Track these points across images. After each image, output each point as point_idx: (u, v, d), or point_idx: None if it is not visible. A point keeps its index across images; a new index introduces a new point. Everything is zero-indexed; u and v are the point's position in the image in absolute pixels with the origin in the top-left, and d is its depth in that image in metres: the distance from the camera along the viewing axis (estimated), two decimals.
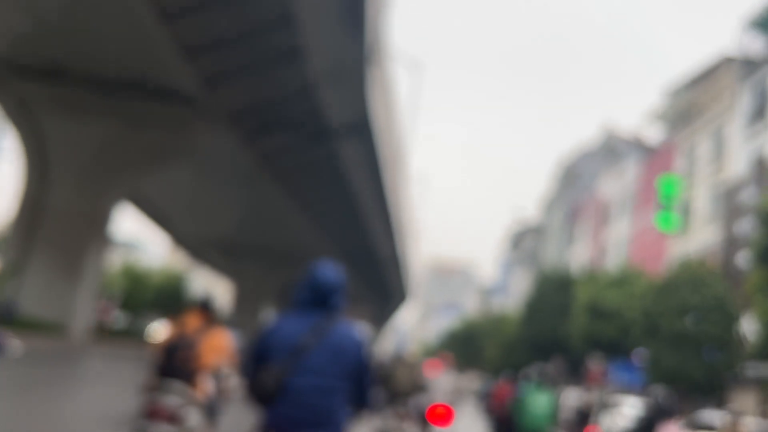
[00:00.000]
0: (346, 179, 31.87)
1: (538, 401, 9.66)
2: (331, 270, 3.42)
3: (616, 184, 43.02)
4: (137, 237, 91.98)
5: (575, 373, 31.68)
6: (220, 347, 5.27)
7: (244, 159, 26.31)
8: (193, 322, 5.31)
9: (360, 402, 3.28)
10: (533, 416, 9.46)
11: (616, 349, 26.27)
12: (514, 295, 67.72)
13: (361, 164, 29.70)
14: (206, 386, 5.23)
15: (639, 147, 54.71)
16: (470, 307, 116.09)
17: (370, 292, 63.89)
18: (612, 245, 41.30)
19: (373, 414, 3.82)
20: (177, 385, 5.04)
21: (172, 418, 4.95)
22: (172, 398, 4.99)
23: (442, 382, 13.33)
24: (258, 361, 3.20)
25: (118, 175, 19.24)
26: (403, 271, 58.20)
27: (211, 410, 5.41)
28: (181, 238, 45.66)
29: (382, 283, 60.49)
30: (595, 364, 30.81)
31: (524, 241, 71.20)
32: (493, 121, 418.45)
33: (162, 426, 4.91)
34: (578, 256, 48.20)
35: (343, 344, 3.23)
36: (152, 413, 4.96)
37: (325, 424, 3.11)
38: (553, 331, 30.35)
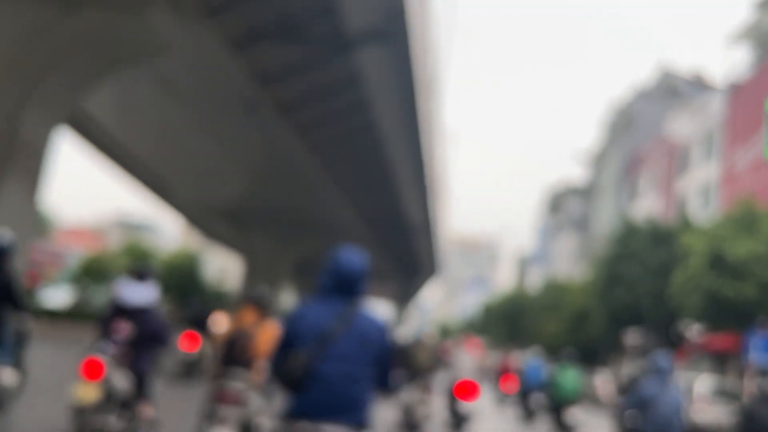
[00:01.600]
0: (371, 114, 25.05)
1: (567, 377, 12.32)
2: (355, 257, 3.48)
3: (694, 124, 35.89)
4: (150, 219, 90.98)
5: (674, 347, 25.00)
6: (273, 337, 5.83)
7: (235, 79, 19.60)
8: (248, 315, 6.26)
9: (382, 385, 3.37)
10: (564, 390, 12.20)
11: (749, 316, 19.42)
12: (558, 263, 60.82)
13: (390, 89, 22.89)
14: (263, 372, 5.92)
15: (700, 85, 47.54)
16: (501, 281, 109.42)
17: (397, 266, 57.09)
18: (694, 193, 34.26)
19: (393, 395, 3.72)
20: (239, 372, 5.90)
21: (237, 401, 5.72)
22: (236, 384, 5.83)
23: (467, 360, 14.16)
24: (285, 348, 3.28)
25: (45, 82, 12.68)
26: (434, 240, 51.33)
27: (269, 393, 6.16)
28: (176, 202, 39.17)
29: (409, 255, 53.58)
30: (697, 334, 24.19)
31: (566, 204, 64.14)
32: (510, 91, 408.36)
33: (229, 408, 5.67)
34: (644, 212, 41.19)
35: (368, 331, 3.30)
36: (220, 397, 5.73)
37: (352, 410, 3.18)
38: (649, 297, 23.56)
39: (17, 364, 6.10)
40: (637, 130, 44.90)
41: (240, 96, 20.65)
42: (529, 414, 15.11)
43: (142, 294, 5.62)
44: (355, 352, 3.23)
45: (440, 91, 34.99)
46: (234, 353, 5.99)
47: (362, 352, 3.25)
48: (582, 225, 58.63)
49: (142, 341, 5.46)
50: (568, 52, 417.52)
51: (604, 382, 25.96)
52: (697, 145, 34.73)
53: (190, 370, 13.65)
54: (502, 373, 20.32)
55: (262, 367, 5.94)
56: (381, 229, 44.04)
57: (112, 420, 5.33)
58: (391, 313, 68.35)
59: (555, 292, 39.44)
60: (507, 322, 51.58)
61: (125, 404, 5.37)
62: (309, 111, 24.71)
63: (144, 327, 5.48)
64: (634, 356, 29.47)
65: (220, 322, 10.78)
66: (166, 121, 24.09)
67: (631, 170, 44.41)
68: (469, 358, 14.32)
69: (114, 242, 63.47)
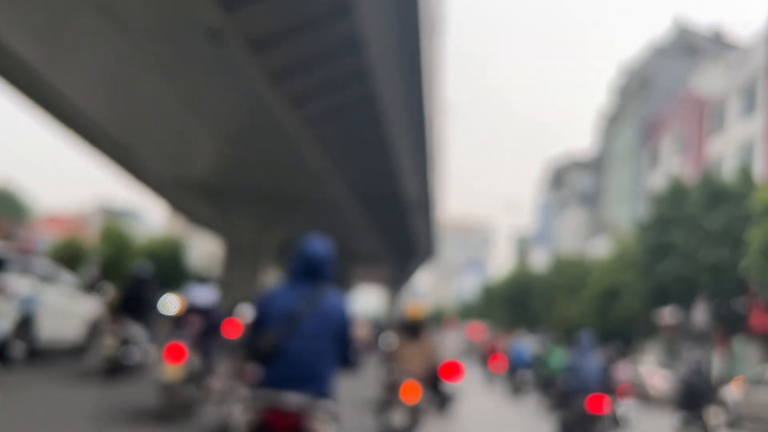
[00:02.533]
0: (371, 85, 20.95)
1: (554, 356, 14.28)
2: (320, 245, 3.80)
3: (727, 79, 31.85)
4: (135, 205, 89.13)
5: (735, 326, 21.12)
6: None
7: (202, 8, 15.25)
8: None
9: (344, 361, 3.70)
10: (550, 368, 13.96)
11: None
12: (564, 241, 56.87)
13: (393, 56, 18.86)
14: None
15: (720, 42, 43.57)
16: (498, 263, 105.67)
17: (391, 248, 52.80)
18: (732, 152, 30.26)
19: (355, 370, 3.89)
20: None
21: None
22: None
23: (450, 341, 14.20)
24: (256, 327, 3.61)
25: None
26: (431, 220, 47.02)
27: None
28: (146, 178, 34.63)
29: (405, 236, 49.22)
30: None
31: (569, 179, 60.17)
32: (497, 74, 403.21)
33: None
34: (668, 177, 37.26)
35: (331, 312, 3.62)
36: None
37: (315, 382, 3.51)
38: (707, 268, 19.52)
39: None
40: (654, 92, 40.84)
41: (206, 29, 16.27)
42: (515, 389, 16.21)
43: (207, 296, 7.99)
44: (319, 331, 3.56)
45: (442, 62, 30.74)
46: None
47: (325, 330, 3.58)
48: (589, 200, 54.72)
49: (208, 331, 7.46)
50: (570, 21, 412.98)
51: (653, 373, 21.68)
52: (735, 101, 30.69)
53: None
54: (490, 354, 21.28)
55: None
56: (376, 208, 39.84)
57: (193, 392, 7.30)
58: (384, 298, 65.19)
59: (574, 270, 35.42)
60: (510, 304, 47.64)
61: (200, 379, 7.25)
62: (304, 79, 20.98)
63: (209, 321, 7.55)
64: (677, 338, 25.50)
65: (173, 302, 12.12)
66: (117, 66, 19.64)
67: (650, 135, 40.39)
68: (452, 339, 14.94)
69: (95, 230, 59.83)
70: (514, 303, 47.01)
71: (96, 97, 23.78)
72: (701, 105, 33.71)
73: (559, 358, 14.08)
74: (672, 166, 36.66)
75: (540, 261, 62.28)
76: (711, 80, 33.36)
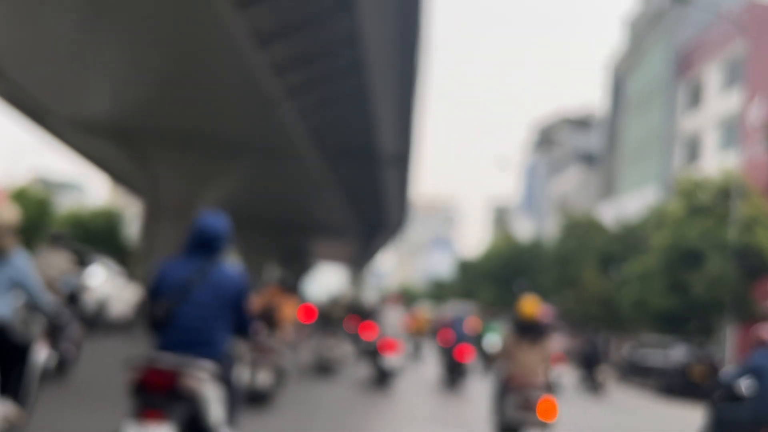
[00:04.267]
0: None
1: (492, 334, 17.46)
2: (215, 220, 3.93)
3: None
4: (75, 178, 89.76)
5: None
6: (294, 308, 9.15)
7: None
8: (273, 293, 8.88)
9: (239, 329, 3.94)
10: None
11: None
12: (557, 207, 49.06)
13: None
14: (288, 332, 8.85)
15: None
16: (469, 242, 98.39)
17: (357, 217, 44.03)
18: None
19: (249, 338, 4.43)
20: (270, 332, 8.38)
21: (271, 351, 8.16)
22: (269, 340, 8.27)
23: (391, 317, 13.08)
24: (152, 296, 3.80)
25: None
26: (408, 181, 38.55)
27: (293, 347, 10.40)
28: (53, 124, 26.16)
29: (375, 201, 40.73)
30: None
31: (561, 137, 52.49)
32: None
33: (265, 356, 8.03)
34: (719, 117, 29.54)
35: (223, 282, 3.81)
36: (258, 349, 8.00)
37: (206, 346, 3.71)
38: None
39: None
40: (688, 13, 32.90)
41: None
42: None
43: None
44: (209, 298, 3.74)
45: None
46: (266, 318, 8.46)
47: (216, 298, 3.76)
48: (590, 159, 47.11)
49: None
50: None
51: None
52: None
53: None
54: (439, 329, 22.38)
55: (287, 329, 8.84)
56: (344, 162, 31.36)
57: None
58: (346, 278, 60.89)
59: (600, 235, 27.56)
60: (497, 281, 39.85)
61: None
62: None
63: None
64: None
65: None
66: None
67: (685, 65, 32.62)
68: (393, 315, 13.15)
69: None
70: (502, 279, 39.24)
71: None
72: None
73: (496, 335, 16.59)
74: (726, 100, 28.96)
75: (526, 231, 54.80)
76: None
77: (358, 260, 60.22)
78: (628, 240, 24.77)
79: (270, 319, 8.45)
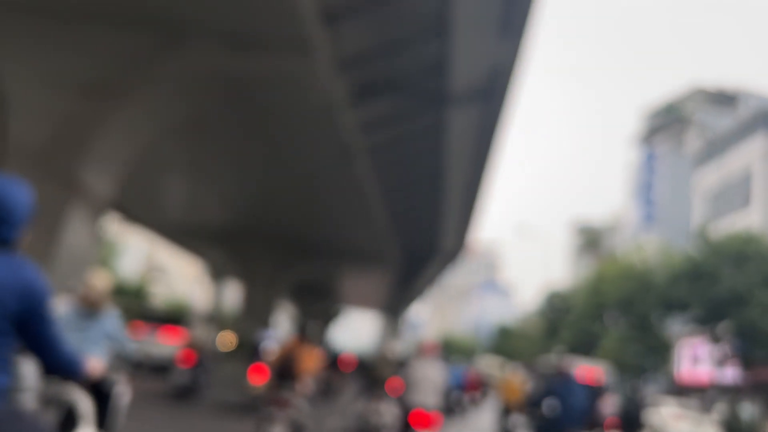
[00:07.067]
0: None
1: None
2: (11, 185, 2.54)
3: None
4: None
5: None
6: (314, 359, 8.47)
7: None
8: (293, 343, 8.56)
9: (50, 361, 2.61)
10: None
11: None
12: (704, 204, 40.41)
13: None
14: (307, 385, 8.24)
15: None
16: (552, 276, 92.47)
17: (402, 237, 30.60)
18: None
19: (76, 373, 2.77)
20: (289, 383, 8.04)
21: (287, 405, 7.81)
22: (287, 392, 7.95)
23: (426, 378, 10.16)
24: None
25: None
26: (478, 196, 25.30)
27: (312, 400, 8.83)
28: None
29: (431, 212, 27.16)
30: None
31: (695, 116, 46.86)
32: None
33: (281, 411, 7.75)
34: None
35: (6, 279, 2.44)
36: (274, 402, 7.84)
37: None
38: None
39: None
40: None
41: None
42: (449, 410, 18.52)
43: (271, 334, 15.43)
44: None
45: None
46: (284, 370, 8.06)
47: None
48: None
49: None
50: None
51: None
52: None
53: None
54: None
55: (306, 382, 8.12)
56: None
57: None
58: (378, 326, 54.72)
59: None
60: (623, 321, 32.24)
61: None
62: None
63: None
64: None
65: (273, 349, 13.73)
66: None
67: None
68: (429, 375, 7.59)
69: None
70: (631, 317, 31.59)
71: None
72: None
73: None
74: None
75: (651, 246, 37.35)
76: None
77: (394, 305, 49.73)
78: None
79: (289, 371, 8.07)
